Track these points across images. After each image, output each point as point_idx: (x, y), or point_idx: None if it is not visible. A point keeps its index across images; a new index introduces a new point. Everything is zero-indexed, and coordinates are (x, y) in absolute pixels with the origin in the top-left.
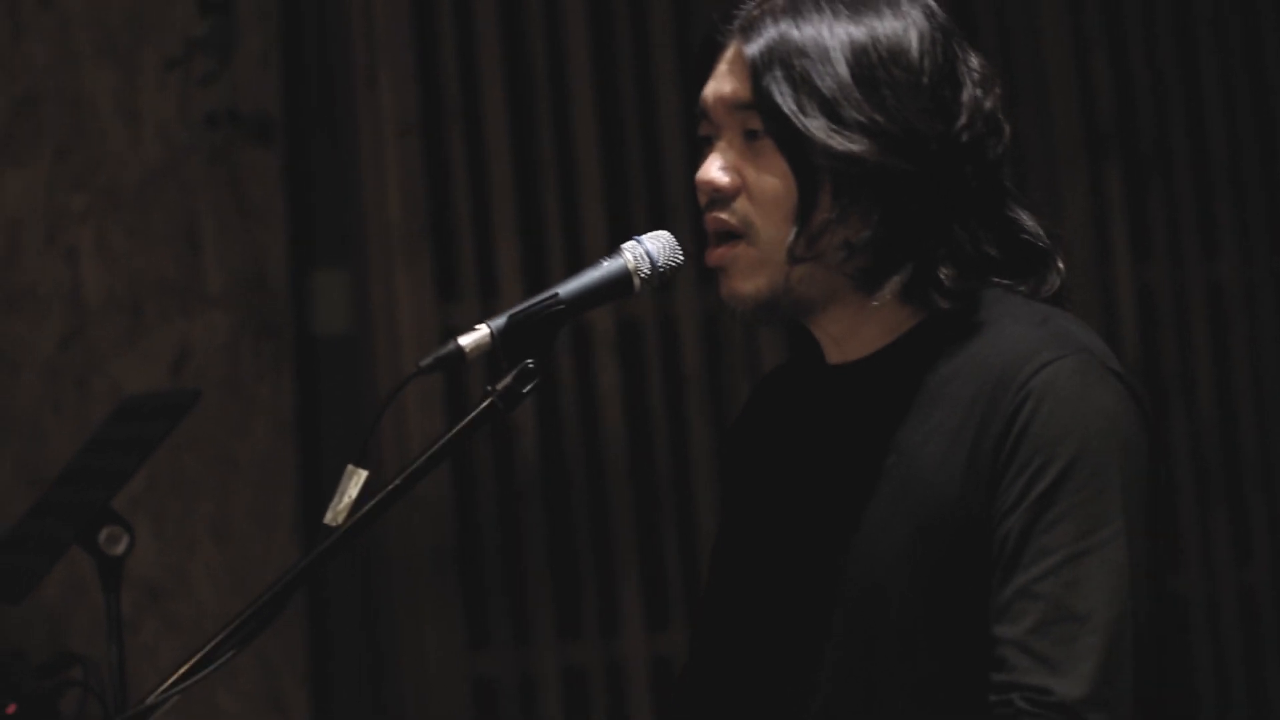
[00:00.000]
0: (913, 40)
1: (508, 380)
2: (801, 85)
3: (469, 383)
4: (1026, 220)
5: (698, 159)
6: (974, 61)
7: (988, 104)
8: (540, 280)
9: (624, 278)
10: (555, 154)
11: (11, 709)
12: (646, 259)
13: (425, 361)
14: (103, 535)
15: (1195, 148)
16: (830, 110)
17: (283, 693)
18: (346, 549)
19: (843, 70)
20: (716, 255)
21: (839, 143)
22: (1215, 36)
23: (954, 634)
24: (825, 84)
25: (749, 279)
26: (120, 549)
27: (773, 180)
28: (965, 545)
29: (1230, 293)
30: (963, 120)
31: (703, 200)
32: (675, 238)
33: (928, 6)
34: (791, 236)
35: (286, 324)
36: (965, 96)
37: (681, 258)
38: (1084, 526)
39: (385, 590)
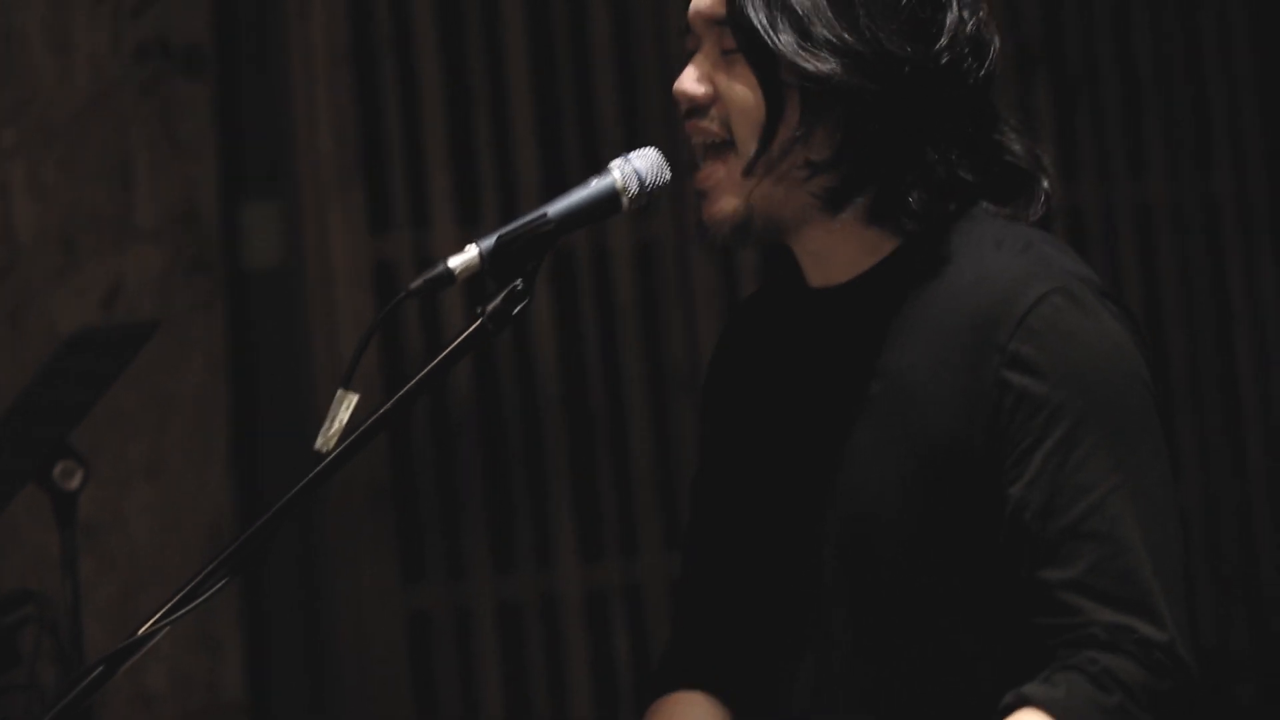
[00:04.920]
0: None
1: (497, 301)
2: (774, 1)
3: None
4: (1014, 144)
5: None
6: None
7: (971, 26)
8: (472, 211)
9: (612, 196)
10: (487, 83)
11: None
12: (635, 177)
13: (415, 284)
14: (57, 470)
15: (1123, 67)
16: (801, 27)
17: (215, 631)
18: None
19: None
20: (704, 175)
21: (807, 61)
22: None
23: (947, 559)
24: (799, 1)
25: (728, 198)
26: (75, 484)
27: (744, 91)
28: (961, 474)
29: (1158, 212)
30: (942, 42)
31: (680, 112)
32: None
33: None
34: (752, 152)
35: (218, 258)
36: (947, 18)
37: (669, 175)
38: (1115, 459)
39: (319, 525)
